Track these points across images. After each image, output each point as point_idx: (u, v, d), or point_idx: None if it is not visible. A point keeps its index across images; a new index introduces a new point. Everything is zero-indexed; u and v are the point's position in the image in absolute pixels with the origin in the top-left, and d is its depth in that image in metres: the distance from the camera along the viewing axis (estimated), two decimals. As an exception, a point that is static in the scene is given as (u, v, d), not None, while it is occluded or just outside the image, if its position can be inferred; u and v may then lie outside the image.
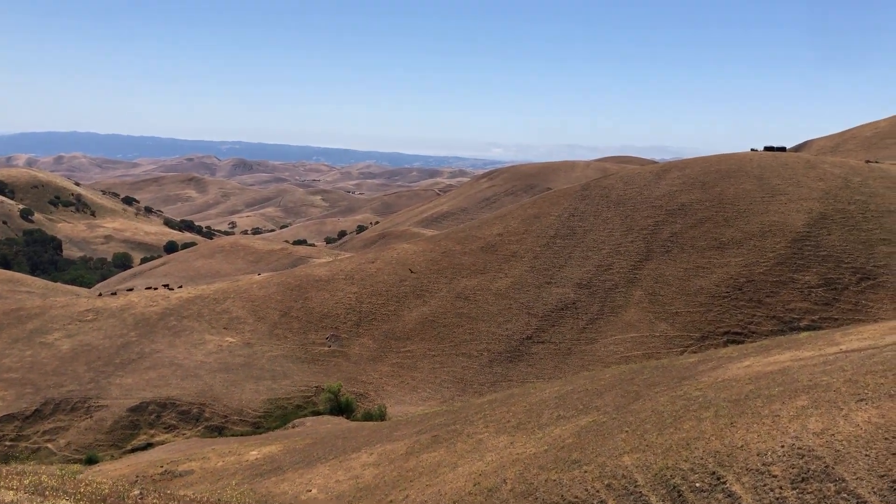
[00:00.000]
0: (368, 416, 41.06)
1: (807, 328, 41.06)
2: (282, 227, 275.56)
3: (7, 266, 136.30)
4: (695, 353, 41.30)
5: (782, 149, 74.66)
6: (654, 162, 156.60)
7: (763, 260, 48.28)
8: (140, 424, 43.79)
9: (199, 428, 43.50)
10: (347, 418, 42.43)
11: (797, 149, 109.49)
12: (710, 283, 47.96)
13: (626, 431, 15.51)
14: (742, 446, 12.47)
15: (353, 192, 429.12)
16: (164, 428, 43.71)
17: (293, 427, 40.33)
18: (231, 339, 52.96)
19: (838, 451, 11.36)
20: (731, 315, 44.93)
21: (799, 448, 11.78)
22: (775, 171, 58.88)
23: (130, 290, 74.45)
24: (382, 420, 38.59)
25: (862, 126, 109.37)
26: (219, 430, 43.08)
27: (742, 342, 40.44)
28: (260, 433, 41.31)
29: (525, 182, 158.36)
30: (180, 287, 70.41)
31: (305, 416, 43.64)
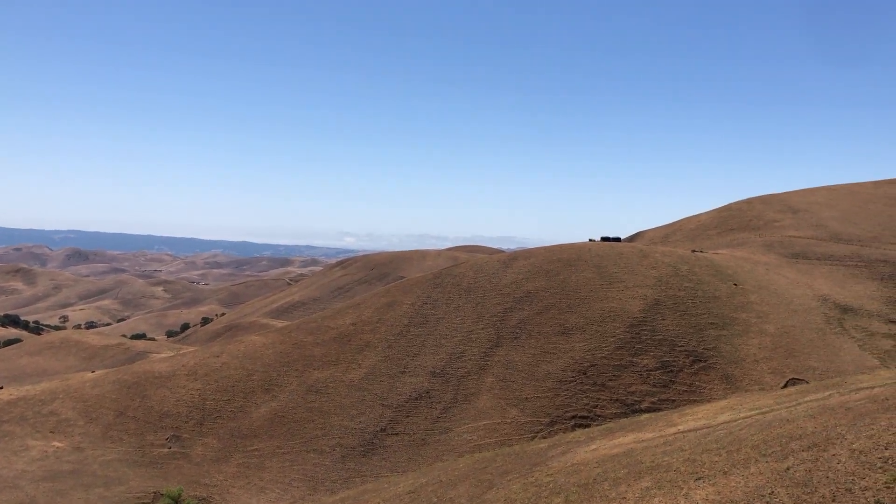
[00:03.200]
0: (212, 522, 38.40)
1: (647, 410, 42.92)
2: (119, 321, 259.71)
3: None
4: (545, 438, 42.00)
5: (617, 239, 79.51)
6: (501, 251, 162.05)
7: (605, 345, 50.43)
8: (-55, 547, 38.72)
9: (17, 547, 38.99)
10: (189, 525, 39.49)
11: (630, 239, 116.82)
12: (556, 367, 49.37)
13: (481, 523, 15.32)
14: (593, 532, 12.59)
15: (198, 283, 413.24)
16: (-25, 549, 38.85)
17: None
18: (59, 444, 48.48)
19: (682, 531, 11.70)
20: (578, 399, 46.28)
21: (646, 530, 12.03)
22: (612, 259, 62.41)
23: (-60, 393, 67.03)
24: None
25: (687, 218, 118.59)
26: (40, 548, 38.76)
27: (588, 426, 41.60)
28: (89, 548, 37.55)
29: (378, 271, 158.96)
30: (1, 388, 64.18)
31: (142, 525, 40.21)
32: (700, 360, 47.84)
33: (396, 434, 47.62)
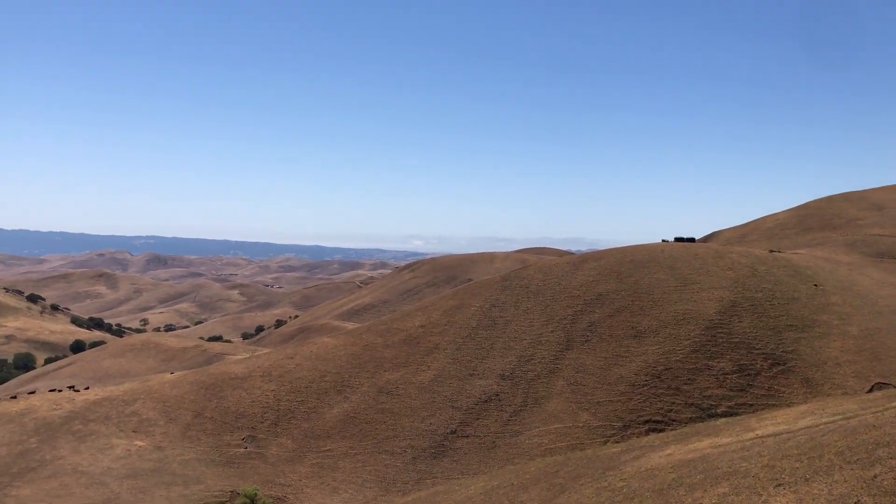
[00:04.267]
0: (287, 521, 39.15)
1: (724, 414, 41.83)
2: (197, 324, 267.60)
3: None
4: (617, 442, 41.40)
5: (692, 240, 77.81)
6: (570, 253, 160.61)
7: (679, 348, 49.39)
8: (37, 540, 40.51)
9: (103, 541, 40.53)
10: (264, 524, 40.35)
11: (705, 240, 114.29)
12: (629, 371, 48.60)
13: (553, 527, 15.19)
14: (668, 538, 12.33)
15: (272, 286, 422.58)
16: (64, 543, 40.54)
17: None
18: (140, 443, 50.23)
19: (762, 539, 11.35)
20: (651, 403, 45.44)
21: (724, 538, 11.72)
22: (686, 260, 61.10)
23: (32, 392, 70.27)
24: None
25: (764, 217, 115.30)
26: (124, 543, 40.20)
27: (663, 430, 40.81)
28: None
29: (446, 273, 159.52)
30: (87, 388, 66.86)
31: (219, 523, 41.29)
32: (779, 364, 46.38)
33: (466, 436, 47.66)
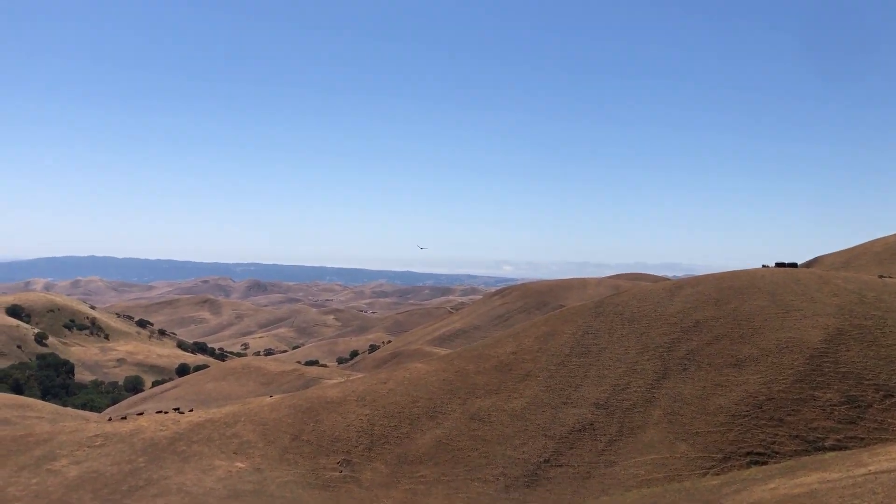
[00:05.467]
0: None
1: (832, 448, 39.89)
2: (294, 348, 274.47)
3: (19, 391, 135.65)
4: (717, 475, 40.03)
5: (793, 265, 74.83)
6: (666, 279, 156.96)
7: (782, 377, 47.45)
8: (144, 556, 42.20)
9: (206, 559, 41.84)
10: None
11: (808, 265, 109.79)
12: (729, 401, 46.99)
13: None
14: (773, 578, 11.89)
15: (366, 312, 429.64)
16: (170, 560, 42.08)
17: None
18: (241, 465, 51.79)
19: (875, 582, 10.81)
20: (753, 434, 43.73)
21: (833, 580, 11.22)
22: (788, 287, 58.81)
23: (140, 414, 73.60)
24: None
25: (872, 241, 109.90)
26: (226, 562, 41.39)
27: (766, 463, 39.22)
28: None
29: (537, 299, 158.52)
30: (191, 411, 69.52)
31: (316, 545, 41.97)
32: (892, 395, 43.88)
33: (560, 466, 47.02)
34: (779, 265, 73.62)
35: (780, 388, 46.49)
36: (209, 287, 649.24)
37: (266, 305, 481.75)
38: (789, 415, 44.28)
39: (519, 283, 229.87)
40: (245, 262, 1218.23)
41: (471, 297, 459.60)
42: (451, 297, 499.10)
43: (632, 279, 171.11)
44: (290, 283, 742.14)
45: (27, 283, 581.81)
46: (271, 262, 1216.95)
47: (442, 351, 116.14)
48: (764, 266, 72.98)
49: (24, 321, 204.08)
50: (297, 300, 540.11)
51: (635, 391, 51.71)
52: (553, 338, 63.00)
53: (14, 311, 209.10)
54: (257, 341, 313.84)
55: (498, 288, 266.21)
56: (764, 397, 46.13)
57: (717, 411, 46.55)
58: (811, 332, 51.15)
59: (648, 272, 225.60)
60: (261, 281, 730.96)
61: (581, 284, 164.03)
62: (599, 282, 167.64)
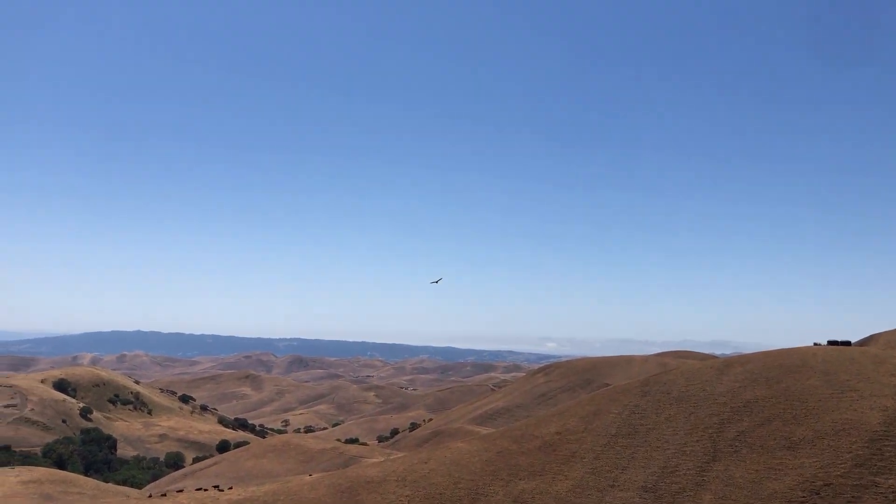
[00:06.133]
0: None
1: (898, 539, 37.77)
2: (335, 425, 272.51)
3: (62, 466, 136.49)
4: (775, 566, 38.12)
5: (847, 343, 72.58)
6: (714, 357, 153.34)
7: (840, 461, 45.40)
8: None
9: None
10: None
11: (862, 343, 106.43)
12: (784, 486, 44.99)
13: None
14: None
15: (407, 388, 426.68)
16: None
17: None
18: (279, 546, 50.79)
19: None
20: (812, 523, 41.64)
21: None
22: (842, 366, 56.87)
23: (180, 491, 73.19)
24: None
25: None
26: None
27: (827, 554, 37.16)
28: None
29: (582, 377, 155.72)
30: (230, 488, 68.90)
31: None
32: (960, 483, 41.57)
33: (607, 553, 45.17)
34: (831, 343, 71.48)
35: (839, 473, 44.43)
36: (251, 362, 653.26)
37: (307, 381, 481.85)
38: (849, 502, 42.19)
39: (562, 360, 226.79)
40: (288, 337, 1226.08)
41: (513, 374, 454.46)
42: (493, 374, 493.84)
43: (679, 357, 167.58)
44: (332, 359, 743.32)
45: (74, 358, 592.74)
46: (314, 337, 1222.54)
47: (484, 430, 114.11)
48: (815, 344, 70.93)
49: (70, 395, 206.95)
50: (338, 376, 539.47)
51: (685, 474, 49.88)
52: (598, 417, 61.51)
53: (61, 386, 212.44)
54: (298, 418, 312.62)
55: (541, 365, 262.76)
56: (821, 483, 44.09)
57: (771, 497, 44.57)
58: (869, 413, 49.11)
59: (696, 349, 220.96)
60: (302, 356, 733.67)
61: (626, 362, 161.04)
62: (645, 359, 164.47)
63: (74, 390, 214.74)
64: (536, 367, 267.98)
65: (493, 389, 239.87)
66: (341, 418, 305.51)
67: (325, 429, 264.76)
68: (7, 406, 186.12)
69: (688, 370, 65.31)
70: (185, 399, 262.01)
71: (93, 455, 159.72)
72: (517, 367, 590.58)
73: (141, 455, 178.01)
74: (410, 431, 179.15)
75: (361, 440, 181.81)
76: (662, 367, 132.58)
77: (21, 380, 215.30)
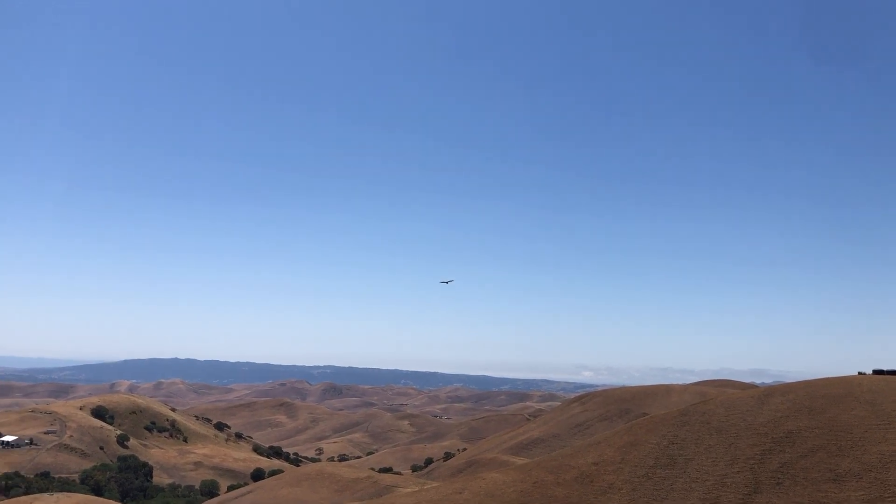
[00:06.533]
0: None
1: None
2: (368, 454, 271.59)
3: (99, 492, 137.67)
4: None
5: (893, 372, 70.61)
6: (754, 386, 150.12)
7: (888, 495, 43.84)
8: None
9: None
10: None
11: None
12: (831, 521, 43.50)
13: None
14: None
15: (441, 417, 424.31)
16: None
17: None
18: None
19: None
20: (861, 559, 40.16)
21: None
22: (889, 395, 55.20)
23: (215, 519, 73.08)
24: None
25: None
26: None
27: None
28: None
29: (619, 406, 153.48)
30: (264, 517, 68.68)
31: None
32: None
33: (647, 588, 44.01)
34: (876, 372, 69.61)
35: (888, 507, 42.86)
36: (286, 390, 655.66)
37: (341, 409, 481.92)
38: (900, 538, 40.62)
39: (599, 389, 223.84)
40: (322, 365, 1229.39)
41: (549, 403, 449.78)
42: (528, 404, 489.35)
43: (718, 386, 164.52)
44: (365, 387, 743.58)
45: (112, 385, 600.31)
46: (347, 365, 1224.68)
47: (519, 460, 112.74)
48: (860, 373, 69.12)
49: (107, 422, 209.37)
50: (372, 404, 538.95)
51: (726, 507, 48.53)
52: (636, 448, 60.35)
53: (99, 413, 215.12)
54: (331, 446, 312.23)
55: (577, 394, 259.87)
56: (870, 517, 42.54)
57: (819, 532, 43.09)
58: (919, 445, 47.44)
59: (734, 378, 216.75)
60: (336, 384, 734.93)
61: (664, 391, 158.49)
62: (684, 388, 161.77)
63: (112, 417, 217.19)
64: (573, 396, 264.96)
65: (528, 419, 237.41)
66: (375, 447, 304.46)
67: (359, 457, 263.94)
68: (47, 433, 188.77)
69: (727, 400, 63.93)
70: (220, 427, 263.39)
71: (129, 482, 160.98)
72: (553, 397, 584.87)
73: (176, 482, 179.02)
74: (445, 461, 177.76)
75: (395, 469, 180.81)
76: (701, 396, 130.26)
77: (61, 407, 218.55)
